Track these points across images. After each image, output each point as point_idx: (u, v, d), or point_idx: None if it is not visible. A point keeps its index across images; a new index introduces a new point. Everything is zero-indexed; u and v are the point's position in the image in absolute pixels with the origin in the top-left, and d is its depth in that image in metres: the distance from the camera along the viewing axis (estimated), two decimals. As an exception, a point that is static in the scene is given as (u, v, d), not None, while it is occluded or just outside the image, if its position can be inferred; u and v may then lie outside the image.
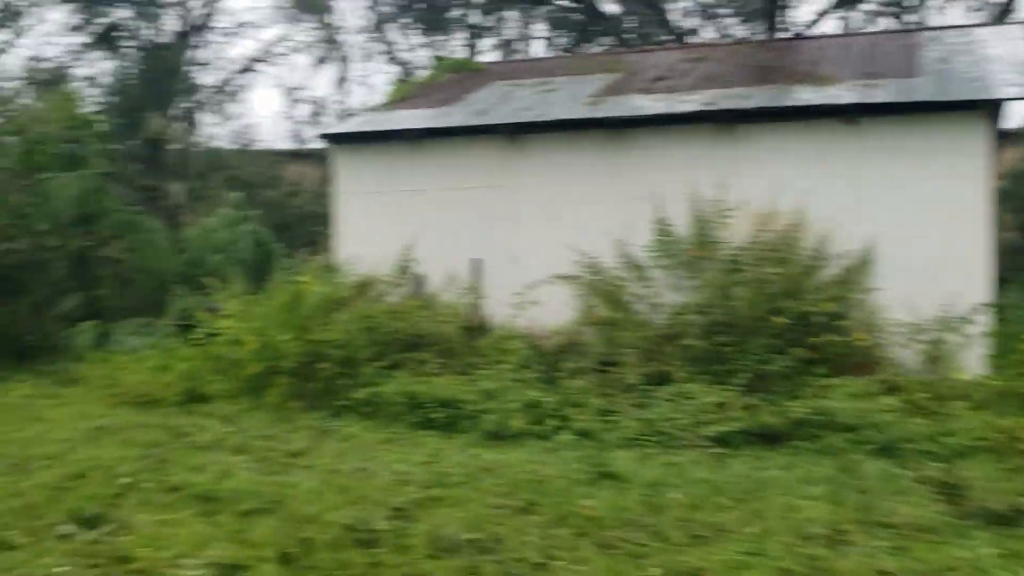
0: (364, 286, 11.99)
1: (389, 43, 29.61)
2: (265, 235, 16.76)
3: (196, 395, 10.84)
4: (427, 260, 12.63)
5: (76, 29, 25.95)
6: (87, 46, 26.28)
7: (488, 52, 27.95)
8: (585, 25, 24.03)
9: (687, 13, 25.73)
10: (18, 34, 30.61)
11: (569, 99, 13.18)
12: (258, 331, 10.81)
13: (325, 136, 13.95)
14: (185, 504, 6.53)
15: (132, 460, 7.72)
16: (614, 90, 13.25)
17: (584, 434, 8.85)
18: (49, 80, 21.98)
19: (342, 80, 30.48)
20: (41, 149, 15.44)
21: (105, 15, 25.36)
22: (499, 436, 9.05)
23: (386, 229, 12.99)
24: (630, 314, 11.08)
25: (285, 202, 18.01)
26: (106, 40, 25.11)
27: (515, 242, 12.31)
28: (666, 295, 11.19)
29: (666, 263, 11.30)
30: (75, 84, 23.62)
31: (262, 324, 10.93)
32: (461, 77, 16.07)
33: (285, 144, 26.42)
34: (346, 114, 28.21)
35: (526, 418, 9.16)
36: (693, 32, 24.29)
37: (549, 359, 10.55)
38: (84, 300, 15.56)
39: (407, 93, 15.10)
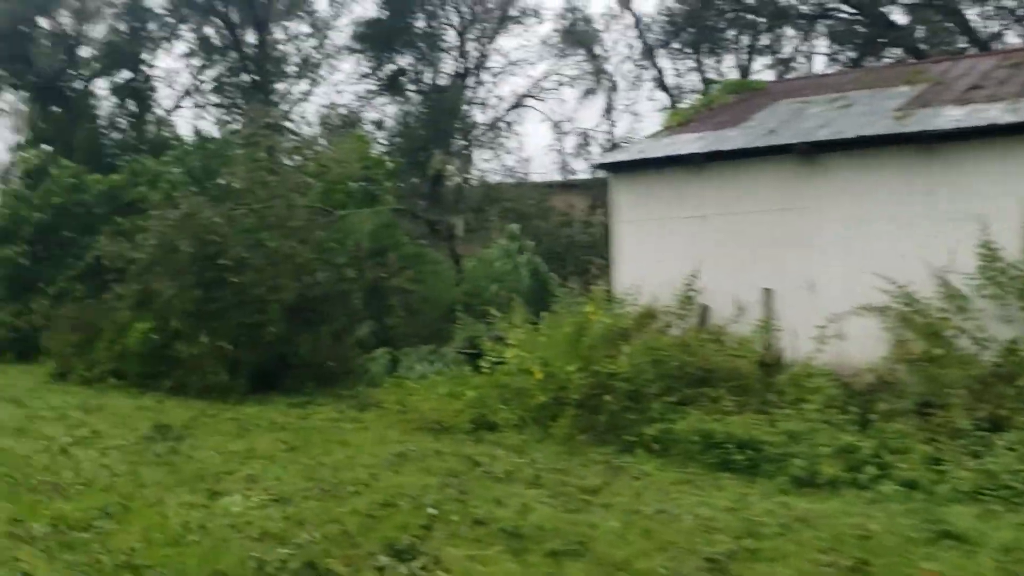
0: (647, 317, 11.59)
1: (658, 70, 29.30)
2: (540, 265, 16.90)
3: (485, 423, 10.93)
4: (711, 290, 12.01)
5: (365, 76, 28.00)
6: (375, 91, 28.25)
7: (762, 72, 26.95)
8: (871, 37, 22.40)
9: (986, 17, 23.29)
10: (314, 84, 33.76)
11: (869, 114, 12.10)
12: (543, 361, 10.73)
13: (603, 165, 13.79)
14: (492, 539, 6.39)
15: (434, 489, 7.77)
16: (922, 102, 12.01)
17: (910, 485, 7.84)
18: (342, 124, 23.70)
19: (609, 110, 30.51)
20: (339, 188, 16.59)
21: (391, 62, 27.13)
22: (808, 483, 8.25)
23: (667, 257, 12.53)
24: (952, 350, 9.82)
25: (557, 232, 18.10)
26: (392, 85, 26.82)
27: (810, 270, 11.40)
28: (994, 328, 9.83)
29: (994, 292, 9.94)
30: (365, 127, 25.39)
31: (547, 354, 10.84)
32: (742, 98, 15.37)
33: (554, 175, 26.77)
34: (615, 143, 28.20)
35: (839, 464, 8.29)
36: (998, 37, 21.90)
37: (859, 399, 9.57)
38: (376, 328, 16.45)
39: (685, 117, 14.64)
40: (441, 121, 25.09)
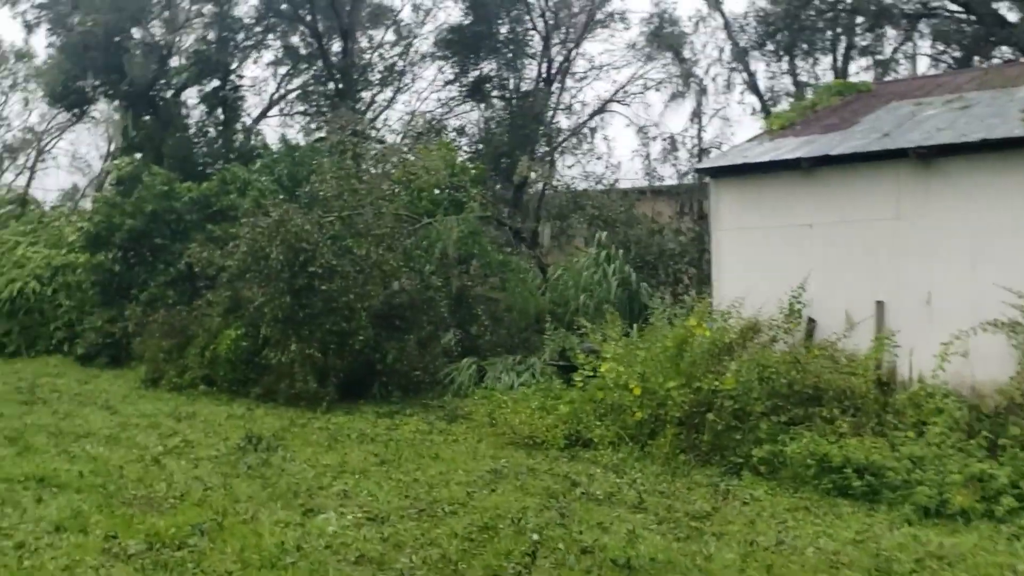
0: (750, 330, 11.00)
1: (749, 73, 28.49)
2: (630, 274, 16.39)
3: (579, 439, 10.53)
4: (819, 302, 11.37)
5: (449, 83, 27.88)
6: (458, 98, 28.12)
7: (859, 74, 25.89)
8: (980, 36, 21.27)
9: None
10: (398, 91, 33.83)
11: (993, 116, 11.31)
12: (642, 376, 10.27)
13: (704, 170, 13.21)
14: (601, 570, 5.97)
15: (534, 511, 7.39)
16: (1051, 102, 11.18)
17: (1057, 520, 7.17)
18: (426, 131, 23.58)
19: (697, 114, 29.76)
20: (426, 196, 16.39)
21: (476, 68, 26.95)
22: (936, 514, 7.64)
23: (771, 267, 11.94)
24: (1093, 370, 9.04)
25: (648, 240, 17.56)
26: (476, 91, 26.64)
27: (928, 282, 10.68)
28: None
29: None
30: (448, 134, 25.25)
31: (646, 368, 10.38)
32: (847, 100, 14.64)
33: (639, 182, 26.21)
34: (704, 148, 27.50)
35: (971, 494, 7.63)
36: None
37: (987, 422, 8.85)
38: (460, 337, 16.17)
39: (787, 120, 13.98)
40: (525, 127, 24.78)
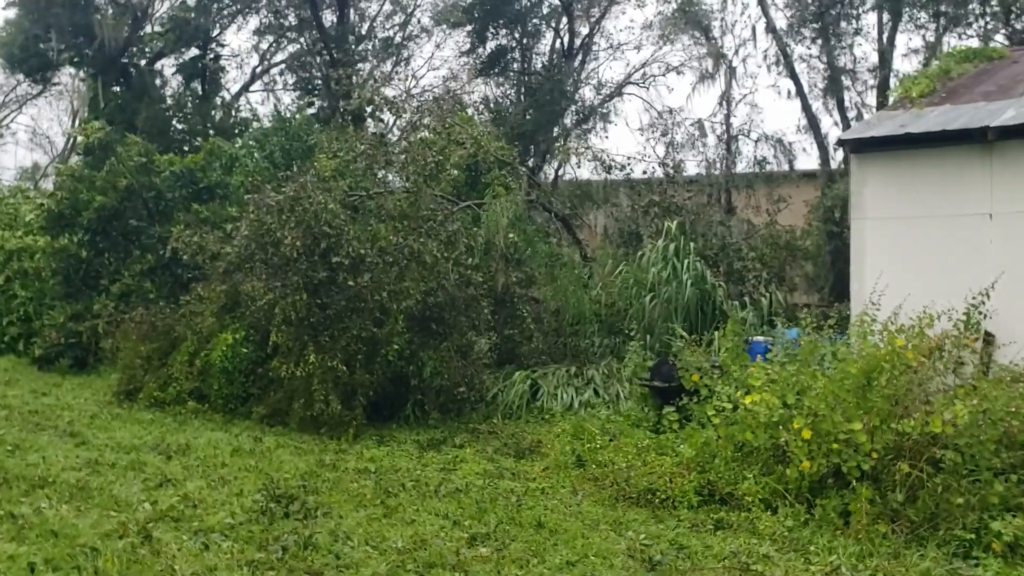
0: (934, 351, 8.36)
1: (786, 55, 25.90)
2: (703, 272, 13.70)
3: (713, 493, 7.81)
4: (998, 312, 8.82)
5: (464, 54, 25.14)
6: (473, 71, 25.33)
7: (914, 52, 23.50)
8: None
9: None
10: (397, 64, 30.93)
11: None
12: (811, 412, 7.57)
13: (846, 143, 10.47)
14: None
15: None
16: None
17: None
18: (450, 105, 20.65)
19: (724, 98, 27.09)
20: (465, 174, 13.56)
21: (494, 38, 24.22)
22: None
23: (931, 267, 9.37)
24: None
25: (720, 232, 14.92)
26: (494, 64, 23.86)
27: None
28: None
29: None
30: (466, 110, 22.41)
31: (812, 403, 7.66)
32: (987, 67, 12.07)
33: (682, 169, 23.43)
34: (734, 135, 24.90)
35: None
36: None
37: None
38: (496, 343, 13.34)
39: (926, 88, 11.35)
40: (553, 103, 21.99)
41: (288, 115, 23.60)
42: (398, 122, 14.35)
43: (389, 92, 20.22)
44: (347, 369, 10.78)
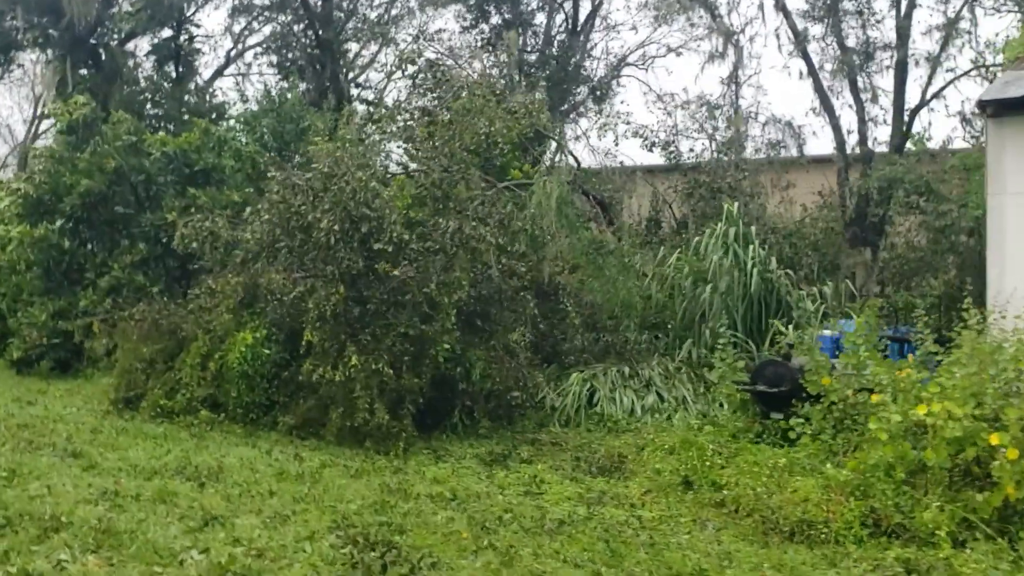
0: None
1: (796, 32, 24.72)
2: (769, 261, 12.40)
3: (879, 523, 6.47)
4: None
5: (466, 31, 23.64)
6: (474, 48, 23.79)
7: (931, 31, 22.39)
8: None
9: None
10: (384, 44, 29.27)
11: None
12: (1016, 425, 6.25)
13: (989, 103, 9.13)
14: None
15: None
16: None
17: None
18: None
19: (732, 78, 25.81)
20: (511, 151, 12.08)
21: (498, 13, 22.74)
22: None
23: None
24: None
25: (780, 218, 13.63)
26: (499, 39, 22.37)
27: None
28: None
29: None
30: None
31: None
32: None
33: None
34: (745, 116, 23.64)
35: None
36: None
37: None
38: (533, 339, 11.94)
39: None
40: (565, 80, 20.58)
41: (279, 95, 21.90)
42: (417, 91, 12.71)
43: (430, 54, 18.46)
44: (393, 373, 9.30)
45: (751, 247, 12.37)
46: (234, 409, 10.20)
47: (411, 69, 12.25)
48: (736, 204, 12.67)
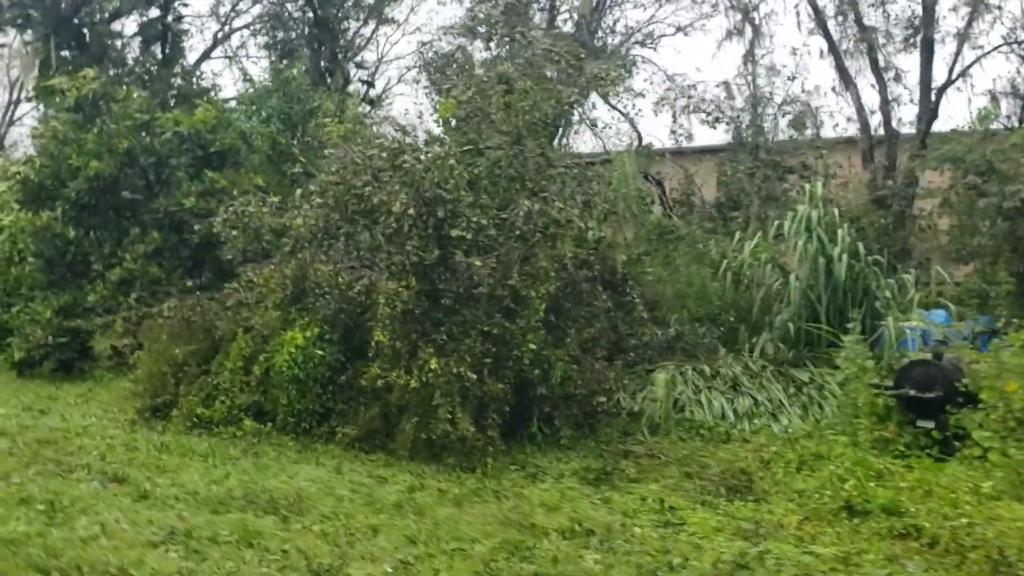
0: None
1: (816, 9, 23.73)
2: (856, 247, 11.33)
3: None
4: None
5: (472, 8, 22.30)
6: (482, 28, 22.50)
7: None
8: None
9: None
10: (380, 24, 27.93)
11: None
12: None
13: None
14: None
15: None
16: None
17: None
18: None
19: (749, 57, 24.71)
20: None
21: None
22: None
23: None
24: None
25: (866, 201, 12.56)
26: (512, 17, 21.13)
27: None
28: None
29: None
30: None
31: None
32: None
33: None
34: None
35: None
36: None
37: None
38: (594, 334, 10.81)
39: None
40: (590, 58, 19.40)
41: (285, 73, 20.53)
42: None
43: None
44: (476, 377, 8.12)
45: (839, 232, 11.30)
46: (284, 418, 8.97)
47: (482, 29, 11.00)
48: (820, 184, 11.56)
